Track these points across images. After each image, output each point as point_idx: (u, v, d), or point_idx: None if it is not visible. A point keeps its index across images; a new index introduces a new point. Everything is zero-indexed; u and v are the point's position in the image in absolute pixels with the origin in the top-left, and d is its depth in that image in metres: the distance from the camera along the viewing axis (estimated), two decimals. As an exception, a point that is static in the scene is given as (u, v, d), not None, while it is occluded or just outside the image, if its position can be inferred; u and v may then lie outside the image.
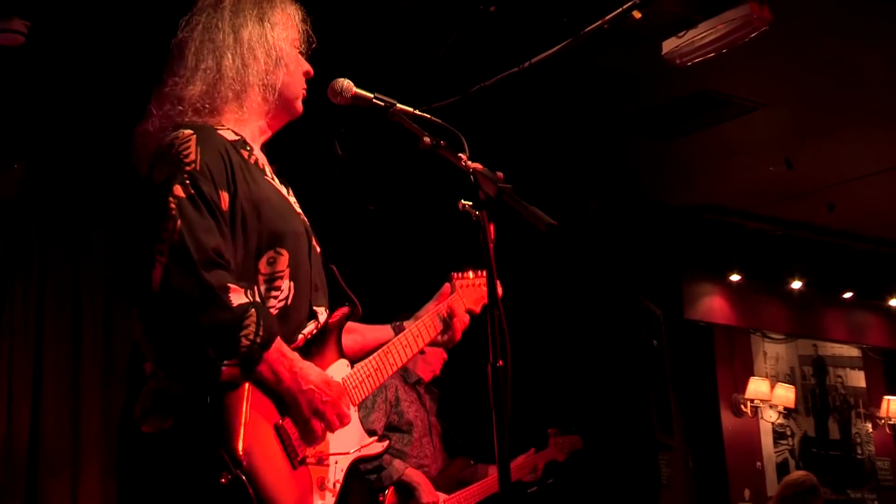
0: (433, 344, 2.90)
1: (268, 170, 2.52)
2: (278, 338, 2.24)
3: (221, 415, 2.13)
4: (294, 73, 2.60)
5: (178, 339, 2.13)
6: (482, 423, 6.34)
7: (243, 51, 2.50)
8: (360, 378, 2.58)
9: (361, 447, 2.52)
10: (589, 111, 6.60)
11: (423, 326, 2.85)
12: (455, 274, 3.05)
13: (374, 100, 2.59)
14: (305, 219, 2.58)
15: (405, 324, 2.88)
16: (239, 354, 2.15)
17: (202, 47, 2.49)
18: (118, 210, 5.98)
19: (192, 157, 2.27)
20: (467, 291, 3.01)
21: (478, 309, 3.01)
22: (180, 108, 2.42)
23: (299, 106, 2.63)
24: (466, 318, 2.95)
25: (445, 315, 2.90)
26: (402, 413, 4.87)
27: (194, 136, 2.31)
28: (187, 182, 2.23)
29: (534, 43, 5.49)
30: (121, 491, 2.33)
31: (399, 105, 2.58)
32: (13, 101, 5.70)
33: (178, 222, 2.17)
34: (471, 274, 3.06)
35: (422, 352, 3.35)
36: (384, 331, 2.83)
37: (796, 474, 6.90)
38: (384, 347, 2.71)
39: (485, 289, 3.03)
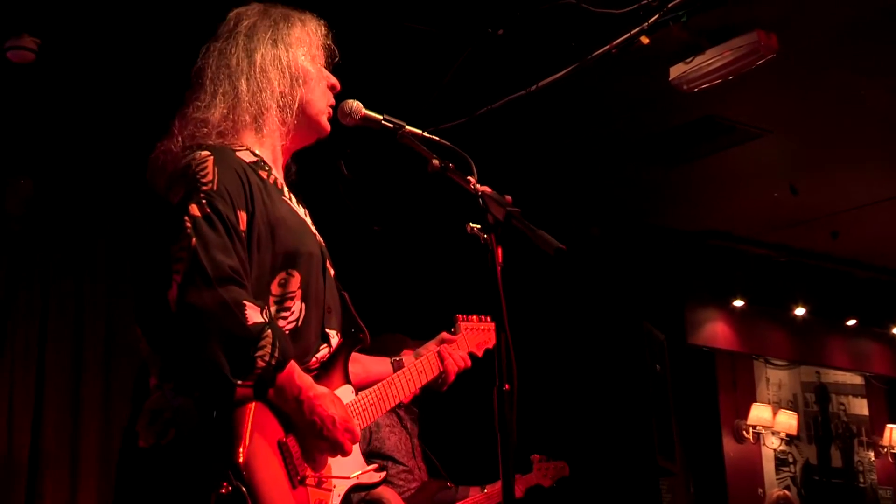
0: (428, 384, 2.91)
1: (286, 190, 2.52)
2: (292, 361, 2.24)
3: (224, 428, 2.13)
4: (315, 89, 2.59)
5: (194, 356, 2.12)
6: (462, 443, 6.32)
7: (257, 74, 2.50)
8: (363, 406, 2.59)
9: (361, 474, 2.50)
10: (595, 135, 6.62)
11: (425, 364, 2.88)
12: (460, 316, 3.08)
13: (383, 121, 2.58)
14: (321, 240, 2.58)
15: (405, 359, 2.90)
16: (255, 375, 2.15)
17: (218, 73, 2.51)
18: (122, 227, 6.00)
19: (210, 177, 2.28)
20: (471, 335, 3.05)
21: (480, 353, 3.05)
22: (205, 130, 2.43)
23: (325, 123, 2.62)
24: (468, 360, 2.98)
25: (447, 356, 2.92)
26: (384, 440, 4.76)
27: (211, 157, 2.32)
28: (203, 201, 2.24)
29: (541, 66, 5.51)
30: (117, 500, 2.33)
31: (408, 127, 2.57)
32: (21, 117, 5.72)
33: (193, 240, 2.18)
34: (476, 318, 3.09)
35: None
36: (385, 365, 2.85)
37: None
38: (387, 380, 2.72)
39: (489, 333, 3.10)
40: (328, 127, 2.64)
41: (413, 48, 5.38)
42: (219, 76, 2.50)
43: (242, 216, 2.29)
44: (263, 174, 2.43)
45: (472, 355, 3.02)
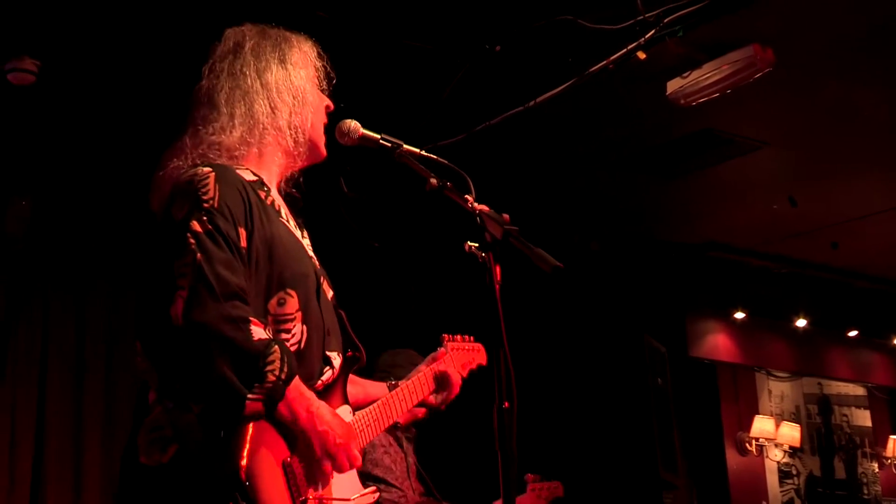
0: (426, 404, 2.95)
1: (283, 211, 2.52)
2: (297, 376, 2.24)
3: (230, 446, 2.12)
4: (318, 111, 2.61)
5: (200, 372, 2.12)
6: (462, 462, 6.27)
7: (272, 95, 2.51)
8: (360, 427, 2.60)
9: (360, 496, 2.51)
10: (594, 150, 6.63)
11: (418, 384, 2.91)
12: (446, 336, 3.11)
13: (380, 141, 2.59)
14: (317, 263, 2.58)
15: (400, 382, 2.93)
16: (265, 389, 2.14)
17: (232, 94, 2.50)
18: (122, 246, 6.01)
19: (211, 194, 2.28)
20: (457, 354, 3.08)
21: (465, 373, 3.09)
22: (218, 152, 2.43)
23: (323, 148, 2.63)
24: (458, 379, 3.02)
25: (439, 375, 2.97)
26: (377, 461, 4.71)
27: (213, 173, 2.32)
28: (204, 218, 2.24)
29: (539, 82, 5.53)
30: None
31: (406, 146, 2.57)
32: (21, 139, 5.74)
33: (198, 255, 2.18)
34: (461, 338, 3.14)
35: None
36: (381, 388, 2.86)
37: None
38: (382, 400, 2.74)
39: (473, 353, 3.15)
40: (325, 152, 2.65)
41: (411, 66, 5.39)
42: (233, 98, 2.50)
43: (242, 233, 2.29)
44: (262, 194, 2.43)
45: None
